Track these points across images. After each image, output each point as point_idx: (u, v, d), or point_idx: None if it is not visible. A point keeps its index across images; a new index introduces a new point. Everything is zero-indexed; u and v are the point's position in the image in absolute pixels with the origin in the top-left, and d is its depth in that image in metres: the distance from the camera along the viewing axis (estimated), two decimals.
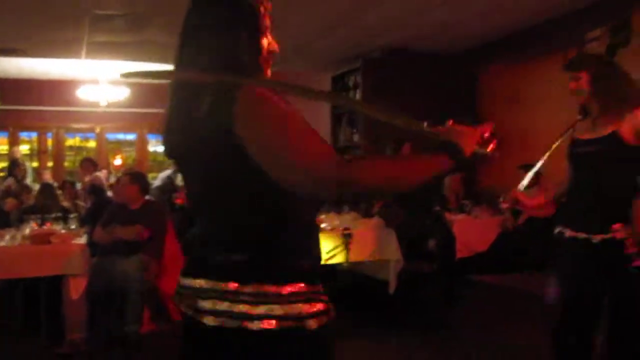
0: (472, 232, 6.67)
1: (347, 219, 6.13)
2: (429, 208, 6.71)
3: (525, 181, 3.31)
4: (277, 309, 1.54)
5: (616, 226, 2.94)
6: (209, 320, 1.57)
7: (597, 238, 3.00)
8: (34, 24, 7.53)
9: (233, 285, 1.55)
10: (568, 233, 3.13)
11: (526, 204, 3.39)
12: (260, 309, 1.53)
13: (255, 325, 1.53)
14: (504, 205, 3.45)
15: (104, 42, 8.37)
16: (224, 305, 1.55)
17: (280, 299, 1.55)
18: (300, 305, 1.56)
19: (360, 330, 5.44)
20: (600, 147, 3.11)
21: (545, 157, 3.23)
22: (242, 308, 1.53)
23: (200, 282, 1.61)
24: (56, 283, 5.16)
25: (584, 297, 3.09)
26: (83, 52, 8.90)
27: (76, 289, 5.00)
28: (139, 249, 5.24)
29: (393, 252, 5.74)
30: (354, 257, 5.59)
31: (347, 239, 5.59)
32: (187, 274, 1.68)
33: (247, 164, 1.51)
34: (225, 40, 1.62)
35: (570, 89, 3.20)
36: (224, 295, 1.56)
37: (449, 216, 6.77)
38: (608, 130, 3.08)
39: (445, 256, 6.45)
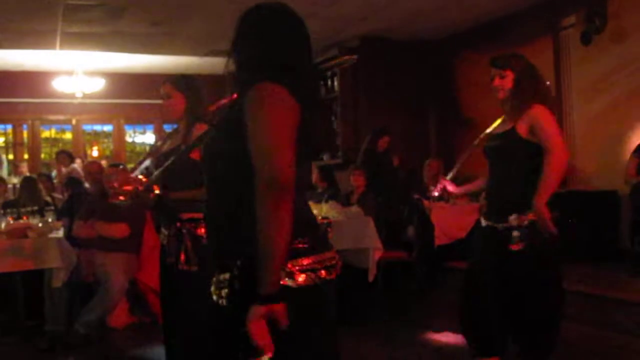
0: (451, 219, 6.71)
1: (326, 208, 6.14)
2: (407, 197, 6.76)
3: (453, 172, 3.84)
4: None
5: (511, 217, 3.28)
6: None
7: (499, 226, 3.35)
8: (6, 15, 7.43)
9: None
10: (483, 222, 3.51)
11: (452, 191, 3.90)
12: None
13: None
14: (434, 193, 3.97)
15: (79, 32, 8.28)
16: None
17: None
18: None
19: (340, 317, 5.46)
20: (500, 141, 3.42)
21: (470, 149, 3.72)
22: None
23: None
24: (33, 277, 5.13)
25: (482, 273, 3.46)
26: (57, 43, 8.80)
27: (58, 277, 4.96)
28: (119, 244, 5.22)
29: (372, 240, 5.77)
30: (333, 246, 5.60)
31: (326, 228, 5.60)
32: None
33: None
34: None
35: (494, 85, 3.41)
36: None
37: (427, 204, 6.80)
38: (510, 126, 3.36)
39: (424, 243, 6.50)
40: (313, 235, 1.84)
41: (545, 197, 3.21)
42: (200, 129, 3.27)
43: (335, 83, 9.62)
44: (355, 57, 8.86)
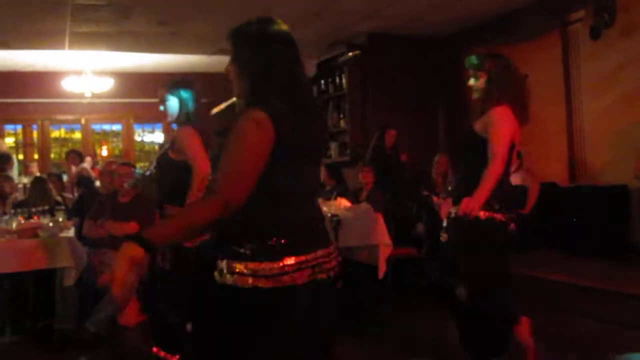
0: None
1: (336, 205, 6.14)
2: (416, 193, 6.74)
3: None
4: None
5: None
6: None
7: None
8: (15, 16, 7.47)
9: None
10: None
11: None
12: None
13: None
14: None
15: (87, 32, 8.31)
16: None
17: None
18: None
19: (349, 314, 5.46)
20: (462, 138, 3.69)
21: None
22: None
23: None
24: (44, 277, 5.15)
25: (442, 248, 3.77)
26: (66, 43, 8.84)
27: (69, 276, 4.98)
28: None
29: (381, 237, 5.76)
30: (342, 243, 5.60)
31: (335, 225, 5.60)
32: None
33: None
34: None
35: (468, 85, 3.56)
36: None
37: (436, 200, 6.78)
38: (473, 123, 3.52)
39: (434, 240, 6.47)
40: (259, 245, 1.99)
41: (479, 197, 3.34)
42: (184, 131, 3.51)
43: (343, 80, 9.61)
44: (358, 52, 8.84)
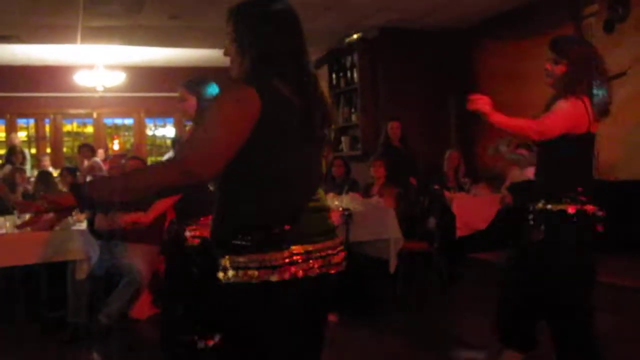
0: (472, 210, 6.66)
1: (347, 199, 6.13)
2: (427, 187, 6.73)
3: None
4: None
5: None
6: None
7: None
8: (27, 10, 7.48)
9: None
10: None
11: None
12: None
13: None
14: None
15: (99, 26, 8.32)
16: None
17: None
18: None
19: (361, 309, 5.47)
20: None
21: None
22: None
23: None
24: (57, 269, 5.17)
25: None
26: (78, 38, 8.86)
27: (81, 269, 5.02)
28: (141, 235, 5.24)
29: (393, 231, 5.75)
30: (354, 238, 5.59)
31: (347, 219, 5.59)
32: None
33: None
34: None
35: (545, 68, 3.22)
36: None
37: (448, 194, 6.77)
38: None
39: (445, 235, 6.46)
40: (261, 234, 1.89)
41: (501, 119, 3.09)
42: None
43: (355, 75, 9.58)
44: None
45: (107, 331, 4.91)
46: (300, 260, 1.88)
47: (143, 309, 5.44)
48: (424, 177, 7.51)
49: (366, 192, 6.69)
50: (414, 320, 5.30)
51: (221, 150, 1.85)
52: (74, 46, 9.46)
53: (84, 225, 5.35)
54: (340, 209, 5.68)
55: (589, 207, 3.13)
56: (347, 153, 9.46)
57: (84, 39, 8.99)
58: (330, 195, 6.18)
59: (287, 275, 1.87)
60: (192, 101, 3.71)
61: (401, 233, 5.77)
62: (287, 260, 1.87)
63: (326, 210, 2.09)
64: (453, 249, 6.56)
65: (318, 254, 1.92)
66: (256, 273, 1.87)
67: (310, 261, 1.90)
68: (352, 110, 9.76)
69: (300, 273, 1.88)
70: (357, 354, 4.47)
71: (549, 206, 3.14)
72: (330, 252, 1.97)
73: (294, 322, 1.92)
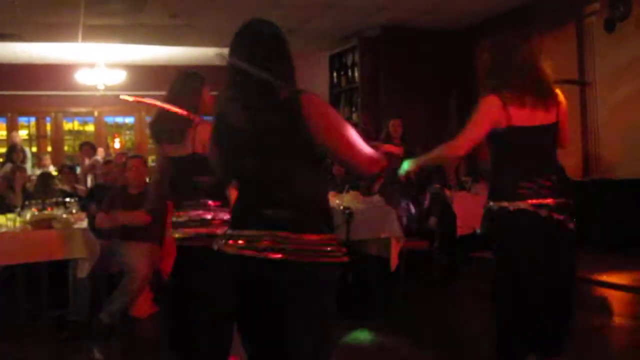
0: (473, 208, 6.63)
1: (348, 198, 6.13)
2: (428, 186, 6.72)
3: None
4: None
5: None
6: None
7: None
8: (29, 9, 7.49)
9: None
10: None
11: None
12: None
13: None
14: None
15: (100, 25, 8.32)
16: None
17: None
18: None
19: (361, 307, 5.47)
20: None
21: None
22: None
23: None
24: (58, 268, 5.18)
25: None
26: (79, 36, 8.86)
27: (83, 268, 5.03)
28: (142, 234, 5.25)
29: (393, 230, 5.75)
30: (354, 236, 5.59)
31: (348, 218, 5.60)
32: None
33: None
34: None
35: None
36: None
37: (448, 193, 6.76)
38: None
39: (446, 233, 6.46)
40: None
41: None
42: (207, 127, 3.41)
43: (356, 73, 9.58)
44: None
45: (108, 330, 4.92)
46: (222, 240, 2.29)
47: (144, 307, 5.44)
48: (424, 176, 7.50)
49: (367, 191, 6.68)
50: (415, 319, 5.30)
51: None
52: (75, 45, 9.47)
53: (84, 224, 5.36)
54: (341, 207, 5.69)
55: (531, 202, 3.11)
56: None
57: (85, 38, 8.99)
58: (332, 193, 6.19)
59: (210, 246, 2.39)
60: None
61: (402, 231, 5.77)
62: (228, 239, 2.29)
63: (262, 205, 2.28)
64: (454, 248, 6.57)
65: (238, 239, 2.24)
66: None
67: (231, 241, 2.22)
68: (353, 109, 9.76)
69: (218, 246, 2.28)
70: (358, 353, 4.47)
71: (491, 203, 3.18)
72: (251, 238, 2.19)
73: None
